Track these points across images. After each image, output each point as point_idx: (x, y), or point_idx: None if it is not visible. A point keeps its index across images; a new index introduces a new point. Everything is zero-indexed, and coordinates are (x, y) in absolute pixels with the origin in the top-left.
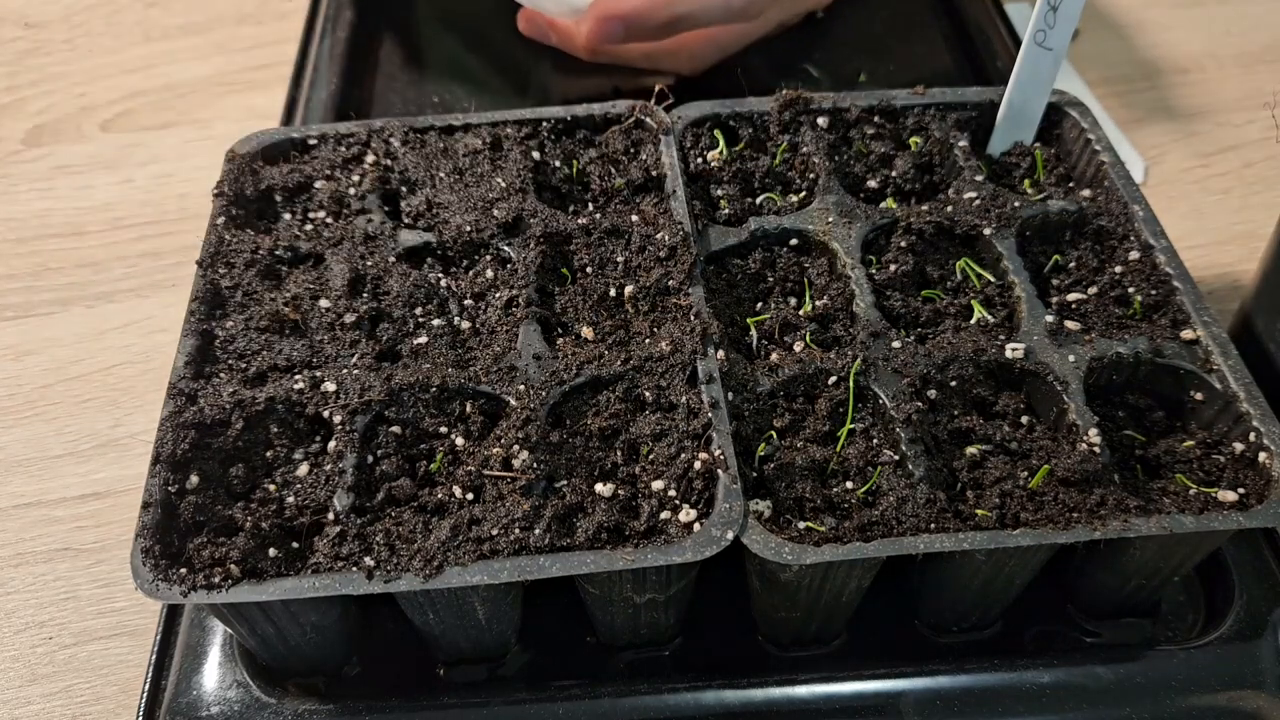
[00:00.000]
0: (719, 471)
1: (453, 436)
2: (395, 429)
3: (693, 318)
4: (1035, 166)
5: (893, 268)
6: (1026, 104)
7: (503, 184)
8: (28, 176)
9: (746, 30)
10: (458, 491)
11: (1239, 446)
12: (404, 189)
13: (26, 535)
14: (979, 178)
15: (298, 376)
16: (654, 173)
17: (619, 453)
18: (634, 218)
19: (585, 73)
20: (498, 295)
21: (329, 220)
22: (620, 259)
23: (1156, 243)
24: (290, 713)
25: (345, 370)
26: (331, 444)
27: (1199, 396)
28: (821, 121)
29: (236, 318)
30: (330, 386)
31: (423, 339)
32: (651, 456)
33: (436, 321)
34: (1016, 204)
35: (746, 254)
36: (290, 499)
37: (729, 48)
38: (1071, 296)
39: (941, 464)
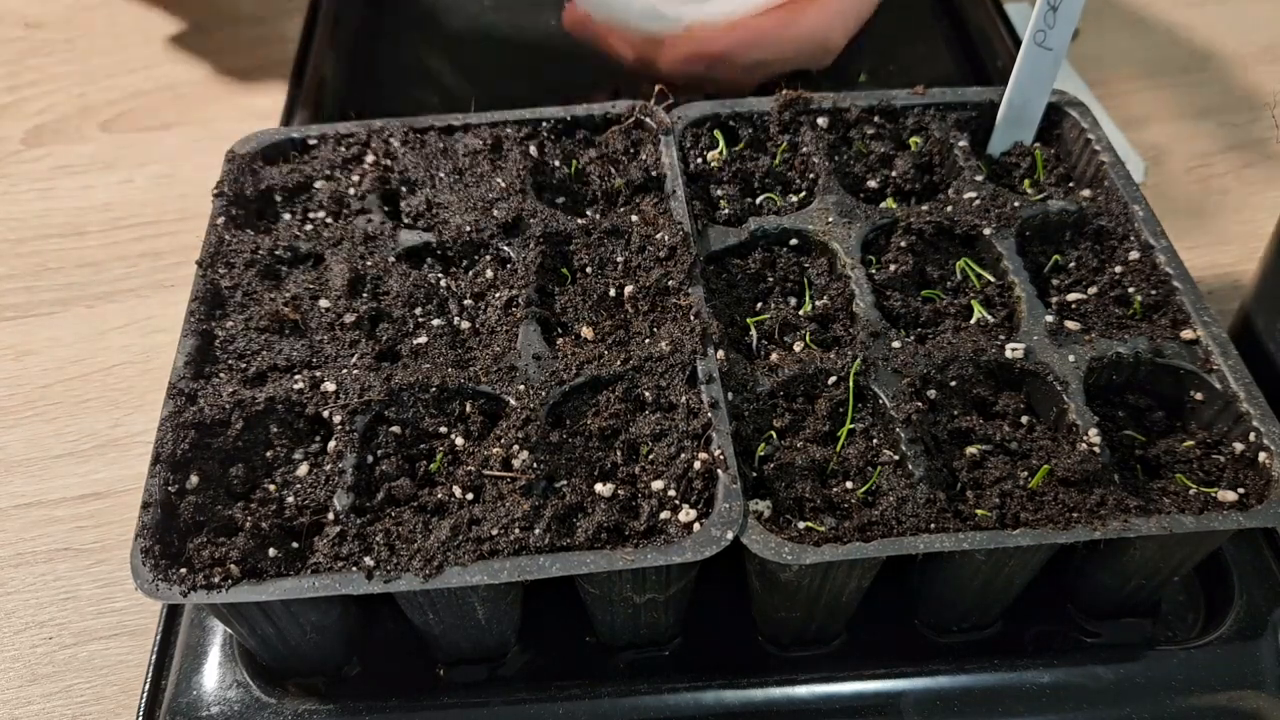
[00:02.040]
0: (719, 471)
1: (453, 436)
2: (395, 429)
3: (693, 318)
4: (1035, 166)
5: (893, 268)
6: (1026, 104)
7: (502, 184)
8: (28, 176)
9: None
10: (458, 491)
11: (1239, 446)
12: (404, 189)
13: (26, 535)
14: (979, 178)
15: (298, 376)
16: (654, 173)
17: (619, 453)
18: (634, 218)
19: (585, 73)
20: (498, 295)
21: (329, 220)
22: (620, 259)
23: (1156, 243)
24: (290, 713)
25: (345, 370)
26: (331, 444)
27: (1199, 396)
28: (821, 121)
29: (236, 318)
30: (330, 386)
31: (422, 339)
32: (651, 456)
33: (436, 321)
34: (1016, 204)
35: (746, 254)
36: (290, 499)
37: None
38: (1071, 296)
39: (941, 464)
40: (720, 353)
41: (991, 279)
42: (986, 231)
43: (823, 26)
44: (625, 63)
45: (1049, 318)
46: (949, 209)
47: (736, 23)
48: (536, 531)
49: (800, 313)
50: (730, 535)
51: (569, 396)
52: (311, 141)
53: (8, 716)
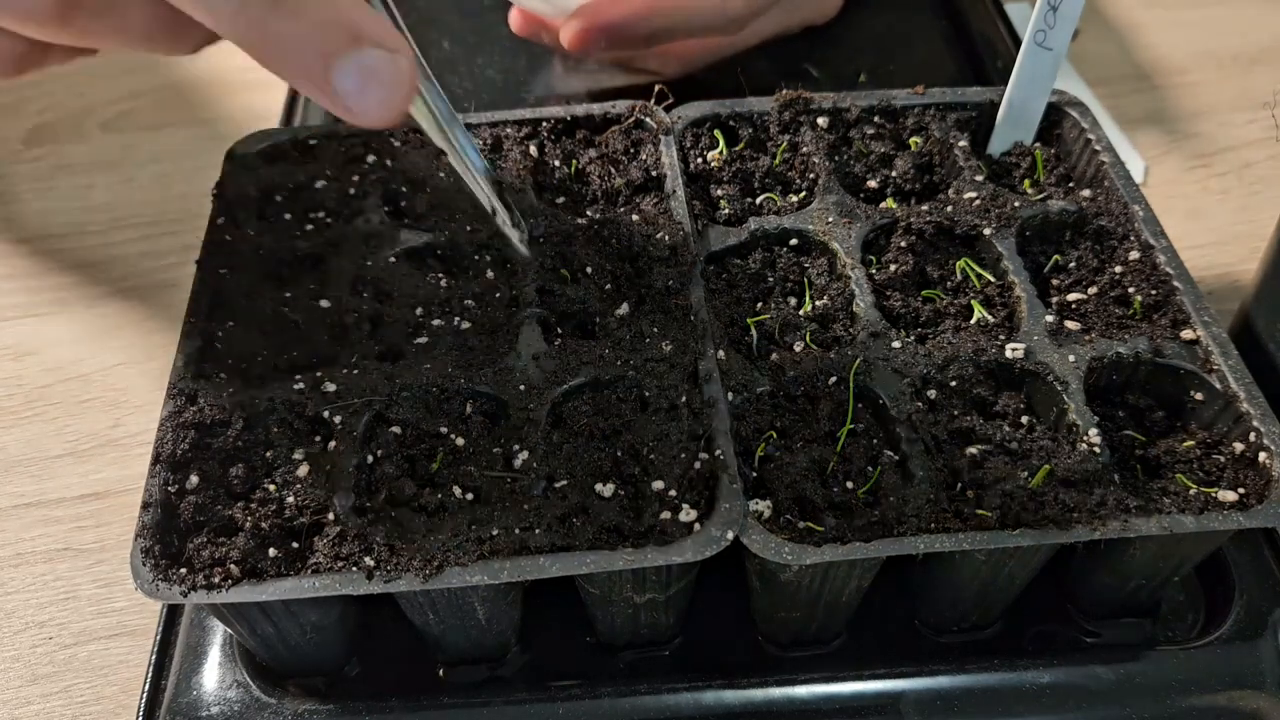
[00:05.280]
0: (719, 472)
1: (453, 436)
2: (395, 429)
3: (693, 318)
4: (1035, 166)
5: (893, 268)
6: (1026, 104)
7: (503, 184)
8: (28, 176)
9: (734, 41)
10: (458, 491)
11: (1239, 446)
12: (404, 189)
13: (26, 535)
14: (979, 178)
15: (298, 376)
16: (654, 173)
17: (619, 453)
18: (634, 218)
19: (585, 73)
20: (498, 295)
21: (329, 220)
22: (620, 259)
23: (1156, 243)
24: (290, 713)
25: (345, 370)
26: (332, 444)
27: (1199, 396)
28: (821, 121)
29: (237, 318)
30: (330, 386)
31: (423, 339)
32: (652, 456)
33: (436, 321)
34: (1016, 204)
35: (746, 254)
36: (290, 499)
37: (719, 53)
38: (1071, 296)
39: (942, 464)
40: (720, 353)
41: (991, 279)
42: (986, 231)
43: None
44: (564, 52)
45: (1049, 318)
46: (949, 209)
47: None
48: (536, 531)
49: (800, 313)
50: (730, 535)
51: (569, 396)
52: (311, 141)
53: (8, 716)
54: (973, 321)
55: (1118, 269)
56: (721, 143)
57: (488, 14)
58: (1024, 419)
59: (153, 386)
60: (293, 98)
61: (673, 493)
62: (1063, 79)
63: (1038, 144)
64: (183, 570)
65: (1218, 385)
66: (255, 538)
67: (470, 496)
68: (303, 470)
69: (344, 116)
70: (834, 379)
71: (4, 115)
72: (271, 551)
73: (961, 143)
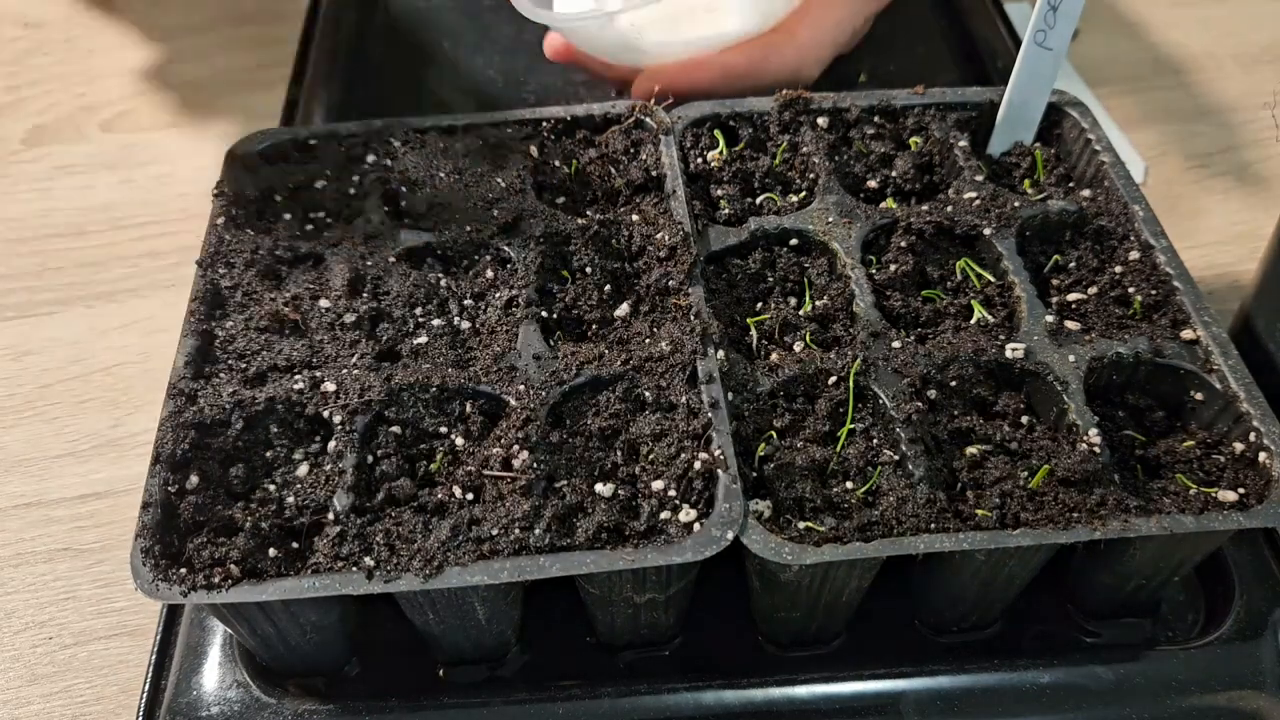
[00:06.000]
0: (719, 471)
1: (453, 436)
2: (395, 429)
3: (693, 318)
4: (1035, 166)
5: (893, 268)
6: (1026, 104)
7: (503, 184)
8: (28, 176)
9: None
10: (458, 491)
11: (1239, 446)
12: (404, 189)
13: (26, 535)
14: (979, 178)
15: (298, 376)
16: (654, 173)
17: (619, 453)
18: (634, 218)
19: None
20: (498, 295)
21: (329, 220)
22: (620, 259)
23: (1156, 243)
24: (290, 713)
25: (345, 370)
26: (331, 444)
27: (1199, 396)
28: (821, 121)
29: (236, 318)
30: (330, 386)
31: (423, 339)
32: (651, 456)
33: (436, 321)
34: (1016, 204)
35: (746, 254)
36: (290, 499)
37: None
38: (1071, 296)
39: (941, 464)
40: (720, 353)
41: (991, 279)
42: (986, 231)
43: (792, 63)
44: (611, 84)
45: (1049, 318)
46: (949, 209)
47: (701, 61)
48: (536, 531)
49: (800, 313)
50: (730, 535)
51: (569, 396)
52: (311, 142)
53: (8, 716)
54: (973, 321)
55: (1118, 269)
56: (721, 143)
57: (488, 14)
58: (1024, 419)
59: (153, 386)
60: (293, 98)
61: (672, 493)
62: (1063, 79)
63: (1038, 144)
64: (183, 570)
65: (1218, 385)
66: (255, 538)
67: (470, 496)
68: (303, 470)
69: None
70: (834, 379)
71: (4, 115)
72: (271, 551)
73: (961, 143)
